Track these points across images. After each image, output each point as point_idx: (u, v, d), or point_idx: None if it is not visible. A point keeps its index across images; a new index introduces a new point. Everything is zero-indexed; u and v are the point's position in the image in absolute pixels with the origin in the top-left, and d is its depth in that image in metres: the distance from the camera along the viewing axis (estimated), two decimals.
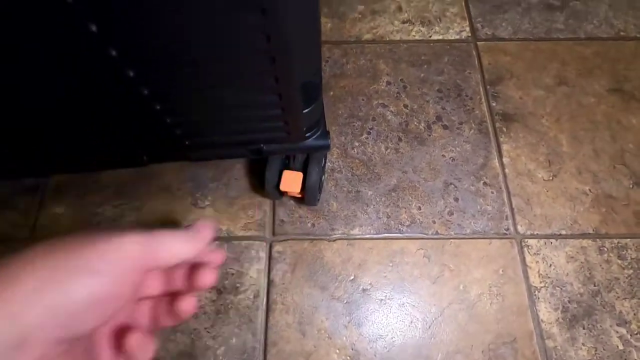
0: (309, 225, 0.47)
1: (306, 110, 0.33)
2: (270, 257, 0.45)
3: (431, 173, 0.50)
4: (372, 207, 0.48)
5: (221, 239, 0.46)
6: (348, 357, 0.41)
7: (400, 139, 0.51)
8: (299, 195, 0.44)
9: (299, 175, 0.41)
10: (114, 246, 0.17)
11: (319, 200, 0.46)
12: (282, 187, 0.41)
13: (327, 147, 0.38)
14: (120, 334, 0.19)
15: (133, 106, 0.29)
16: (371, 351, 0.41)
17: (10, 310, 0.15)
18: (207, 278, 0.20)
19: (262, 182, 0.44)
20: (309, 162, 0.42)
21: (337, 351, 0.41)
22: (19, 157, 0.36)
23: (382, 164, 0.50)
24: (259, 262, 0.45)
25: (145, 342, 0.19)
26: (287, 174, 0.42)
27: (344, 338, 0.42)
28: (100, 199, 0.49)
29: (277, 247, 0.46)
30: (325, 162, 0.45)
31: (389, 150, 0.51)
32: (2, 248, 0.46)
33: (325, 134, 0.38)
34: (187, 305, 0.20)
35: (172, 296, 0.20)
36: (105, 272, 0.16)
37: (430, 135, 0.52)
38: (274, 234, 0.47)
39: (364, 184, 0.49)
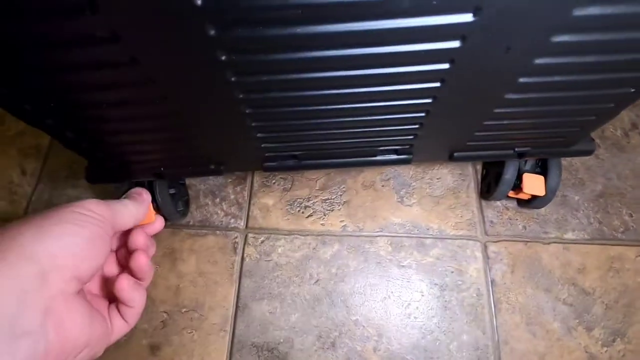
0: (520, 227, 0.48)
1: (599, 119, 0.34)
2: (487, 257, 0.46)
3: (636, 180, 0.50)
4: (582, 212, 0.48)
5: (434, 238, 0.47)
6: (551, 346, 0.42)
7: (598, 146, 0.52)
8: (526, 197, 0.45)
9: (541, 179, 0.42)
10: (87, 206, 0.22)
11: (548, 202, 0.46)
12: (525, 190, 0.42)
13: (591, 152, 0.38)
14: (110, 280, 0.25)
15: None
16: (606, 354, 0.42)
17: (26, 251, 0.19)
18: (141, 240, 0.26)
19: (487, 186, 0.45)
20: (548, 165, 0.43)
21: (569, 353, 0.42)
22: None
23: (584, 170, 0.50)
24: (476, 262, 0.46)
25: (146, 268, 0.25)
26: (528, 177, 0.42)
27: (575, 340, 0.42)
28: (308, 192, 0.50)
29: (492, 248, 0.47)
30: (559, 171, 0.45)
31: (589, 157, 0.51)
32: (217, 238, 0.48)
33: (591, 140, 0.38)
34: (139, 260, 0.25)
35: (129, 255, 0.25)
36: (86, 223, 0.21)
37: (629, 143, 0.52)
38: (486, 234, 0.47)
39: (568, 188, 0.49)
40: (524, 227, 0.48)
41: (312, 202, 0.50)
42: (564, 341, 0.42)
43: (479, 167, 0.51)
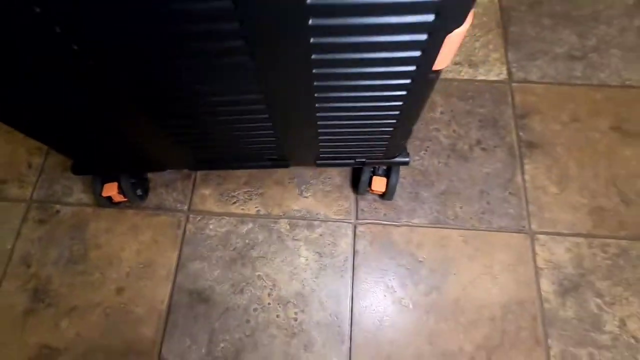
0: (382, 214, 0.67)
1: (403, 141, 0.53)
2: (355, 235, 0.65)
3: (471, 183, 0.68)
4: (427, 204, 0.67)
5: (320, 220, 0.66)
6: (389, 296, 0.61)
7: (449, 156, 0.70)
8: (380, 193, 0.64)
9: (384, 180, 0.61)
10: None
11: (392, 196, 0.66)
12: (373, 187, 0.61)
13: (407, 163, 0.57)
14: None
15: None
16: (424, 301, 0.61)
17: None
18: None
19: (354, 182, 0.64)
20: (391, 170, 0.61)
21: (399, 301, 0.61)
22: (196, 157, 0.57)
23: (435, 174, 0.69)
24: (347, 238, 0.65)
25: None
26: (376, 179, 0.61)
27: (405, 291, 0.62)
28: (235, 186, 0.69)
29: (360, 228, 0.66)
30: (398, 175, 0.64)
31: (440, 164, 0.70)
32: (167, 217, 0.67)
33: (407, 154, 0.57)
34: None
35: None
36: None
37: (471, 154, 0.70)
38: (357, 218, 0.66)
39: (421, 188, 0.68)
40: (385, 215, 0.67)
41: (237, 193, 0.69)
42: (397, 292, 0.62)
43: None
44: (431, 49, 0.34)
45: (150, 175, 0.71)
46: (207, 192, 0.69)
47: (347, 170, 0.70)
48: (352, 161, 0.57)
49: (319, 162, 0.57)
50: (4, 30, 0.30)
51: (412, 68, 0.36)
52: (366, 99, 0.41)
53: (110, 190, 0.64)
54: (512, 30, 0.81)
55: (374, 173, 0.63)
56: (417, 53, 0.34)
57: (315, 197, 0.68)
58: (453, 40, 0.33)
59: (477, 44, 0.80)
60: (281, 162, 0.57)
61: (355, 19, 0.30)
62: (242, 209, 0.68)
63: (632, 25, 0.80)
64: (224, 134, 0.48)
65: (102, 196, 0.64)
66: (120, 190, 0.63)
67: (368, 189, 0.63)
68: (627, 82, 0.75)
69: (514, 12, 0.82)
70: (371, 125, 0.47)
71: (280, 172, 0.70)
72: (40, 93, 0.38)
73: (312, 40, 0.31)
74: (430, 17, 0.30)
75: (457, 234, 0.65)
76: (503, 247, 0.64)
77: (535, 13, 0.82)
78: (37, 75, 0.36)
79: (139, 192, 0.67)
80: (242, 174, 0.70)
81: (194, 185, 0.70)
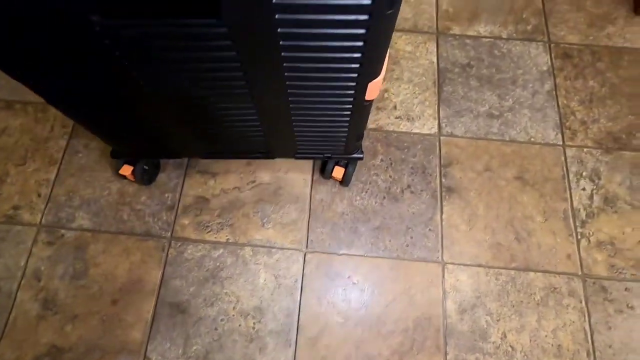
0: (327, 245, 0.83)
1: (357, 142, 0.70)
2: (304, 261, 0.82)
3: (399, 220, 0.85)
4: (364, 237, 0.84)
5: (277, 248, 0.83)
6: (328, 310, 0.78)
7: (384, 197, 0.87)
8: (339, 180, 0.83)
9: (342, 170, 0.82)
10: None
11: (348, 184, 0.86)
12: (334, 175, 0.81)
13: (361, 159, 0.77)
14: None
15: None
16: (357, 314, 0.78)
17: None
18: None
19: (322, 170, 0.81)
20: (349, 163, 0.80)
21: (338, 313, 0.78)
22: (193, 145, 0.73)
23: (372, 212, 0.86)
24: (298, 263, 0.82)
25: None
26: (337, 168, 0.81)
27: (341, 307, 0.79)
28: (210, 217, 0.85)
29: (309, 256, 0.82)
30: (354, 168, 0.84)
31: (377, 204, 0.86)
32: (153, 242, 0.83)
33: (362, 152, 0.75)
34: None
35: None
36: None
37: (402, 196, 0.87)
38: (307, 248, 0.83)
39: (360, 223, 0.85)
40: (329, 245, 0.83)
41: (211, 223, 0.85)
42: (335, 308, 0.79)
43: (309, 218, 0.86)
44: (360, 89, 0.53)
45: (139, 206, 0.86)
46: (186, 221, 0.85)
47: (304, 207, 0.86)
48: (321, 155, 0.78)
49: (297, 155, 0.76)
50: (72, 41, 0.44)
51: (351, 99, 0.56)
52: (326, 109, 0.59)
53: (126, 170, 0.82)
54: (445, 89, 0.97)
55: (337, 164, 0.82)
56: (352, 91, 0.54)
57: (274, 228, 0.85)
58: (374, 84, 0.53)
59: (416, 101, 0.96)
60: (268, 154, 0.76)
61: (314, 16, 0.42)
62: (215, 237, 0.84)
63: (543, 90, 0.97)
64: (224, 131, 0.66)
65: (118, 173, 0.83)
66: (133, 173, 0.82)
67: (331, 176, 0.84)
68: (532, 139, 0.92)
69: (448, 74, 0.99)
70: (332, 128, 0.66)
71: (246, 207, 0.86)
72: (94, 95, 0.55)
73: (279, 30, 0.42)
74: (356, 68, 0.48)
75: (385, 262, 0.82)
76: (420, 273, 0.81)
77: (465, 75, 0.99)
78: (91, 77, 0.51)
79: (145, 176, 0.85)
80: (215, 208, 0.86)
81: (176, 215, 0.86)
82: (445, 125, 0.94)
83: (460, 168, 0.90)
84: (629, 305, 0.79)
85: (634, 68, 0.99)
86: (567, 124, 0.93)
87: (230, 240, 0.84)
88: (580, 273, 0.81)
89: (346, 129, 0.67)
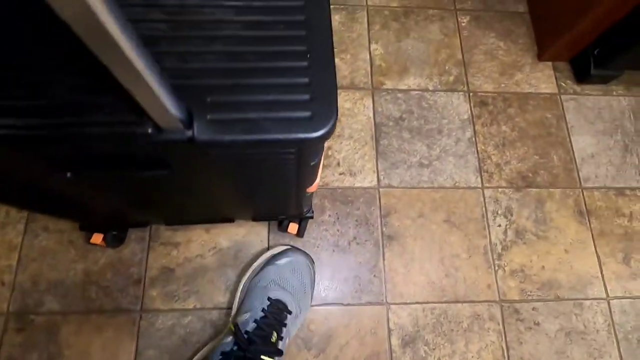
0: None
1: (305, 209, 0.80)
2: None
3: (347, 269, 0.97)
4: (317, 288, 0.95)
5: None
6: (291, 357, 0.90)
7: (334, 251, 0.98)
8: (296, 234, 0.93)
9: (296, 225, 0.91)
10: None
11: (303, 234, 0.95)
12: (289, 230, 0.92)
13: (312, 217, 0.87)
14: None
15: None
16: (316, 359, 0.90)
17: None
18: None
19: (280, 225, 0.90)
20: (301, 221, 0.90)
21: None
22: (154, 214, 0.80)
23: (325, 265, 0.97)
24: None
25: None
26: (292, 225, 0.91)
27: (302, 354, 0.90)
28: (176, 287, 0.92)
29: None
30: (307, 222, 0.95)
31: (327, 257, 0.98)
32: (124, 317, 0.89)
33: (312, 212, 0.86)
34: None
35: None
36: None
37: (349, 248, 0.99)
38: None
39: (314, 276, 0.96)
40: None
41: (177, 292, 0.92)
42: (297, 356, 0.90)
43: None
44: (300, 192, 0.63)
45: (105, 283, 0.91)
46: (154, 293, 0.92)
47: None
48: (276, 218, 0.88)
49: (255, 219, 0.85)
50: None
51: (293, 194, 0.65)
52: (272, 200, 0.70)
53: (97, 239, 0.88)
54: (382, 143, 1.09)
55: (291, 221, 0.93)
56: (292, 192, 0.63)
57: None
58: (312, 188, 0.63)
59: (356, 156, 1.07)
60: (229, 219, 0.85)
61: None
62: (183, 305, 0.91)
63: (464, 137, 1.11)
64: (189, 207, 0.74)
65: (90, 242, 0.88)
66: (104, 239, 0.88)
67: (286, 231, 0.94)
68: (456, 184, 1.07)
69: (384, 127, 1.10)
70: (282, 206, 0.76)
71: (210, 272, 0.94)
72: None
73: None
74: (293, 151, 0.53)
75: (337, 309, 0.94)
76: (368, 316, 0.94)
77: (398, 128, 1.11)
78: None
79: (116, 241, 0.92)
80: (181, 275, 0.93)
81: (143, 288, 0.92)
82: (383, 177, 1.06)
83: (398, 217, 1.03)
84: (536, 322, 0.97)
85: (537, 111, 1.16)
86: (485, 167, 1.09)
87: (197, 307, 0.92)
88: (497, 299, 0.98)
89: (294, 206, 0.77)
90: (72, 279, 0.91)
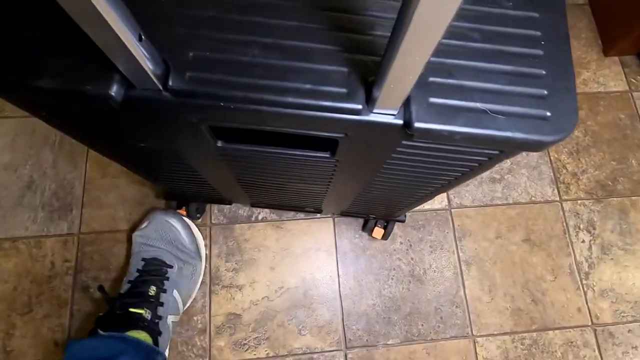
0: (365, 340, 0.86)
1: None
2: None
3: (427, 302, 0.89)
4: (397, 326, 0.87)
5: (318, 353, 0.84)
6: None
7: (410, 282, 0.90)
8: (381, 238, 0.89)
9: (382, 230, 0.87)
10: None
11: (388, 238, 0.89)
12: (373, 235, 0.88)
13: (404, 221, 0.85)
14: None
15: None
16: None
17: None
18: None
19: (365, 226, 0.82)
20: (388, 224, 0.86)
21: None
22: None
23: (401, 298, 0.89)
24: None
25: None
26: (376, 229, 0.87)
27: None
28: (245, 335, 0.84)
29: (350, 355, 0.85)
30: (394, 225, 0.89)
31: (404, 289, 0.90)
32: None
33: (405, 216, 0.80)
34: None
35: None
36: None
37: (426, 277, 0.91)
38: (347, 347, 0.85)
39: (392, 312, 0.88)
40: (367, 340, 0.86)
41: (247, 340, 0.84)
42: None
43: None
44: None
45: (172, 335, 0.83)
46: (222, 343, 0.84)
47: (335, 305, 0.87)
48: (365, 216, 0.83)
49: (343, 213, 0.83)
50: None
51: (432, 191, 0.55)
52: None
53: (181, 211, 0.86)
54: None
55: (376, 224, 0.87)
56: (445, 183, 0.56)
57: (311, 333, 0.86)
58: None
59: None
60: (316, 211, 0.83)
61: None
62: (254, 354, 0.84)
63: None
64: (292, 193, 0.68)
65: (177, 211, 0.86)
66: (187, 211, 0.87)
67: (370, 235, 0.88)
68: (532, 198, 0.98)
69: None
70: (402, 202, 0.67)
71: (278, 318, 0.86)
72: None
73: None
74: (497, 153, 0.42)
75: (421, 347, 0.86)
76: (454, 352, 0.87)
77: None
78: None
79: (197, 213, 0.88)
80: (249, 321, 0.85)
81: (210, 338, 0.84)
82: (454, 197, 0.97)
83: (474, 239, 0.94)
84: (633, 345, 0.90)
85: (609, 112, 1.07)
86: (561, 177, 1.00)
87: (270, 355, 0.84)
88: (590, 324, 0.90)
89: (404, 208, 0.71)
90: None
